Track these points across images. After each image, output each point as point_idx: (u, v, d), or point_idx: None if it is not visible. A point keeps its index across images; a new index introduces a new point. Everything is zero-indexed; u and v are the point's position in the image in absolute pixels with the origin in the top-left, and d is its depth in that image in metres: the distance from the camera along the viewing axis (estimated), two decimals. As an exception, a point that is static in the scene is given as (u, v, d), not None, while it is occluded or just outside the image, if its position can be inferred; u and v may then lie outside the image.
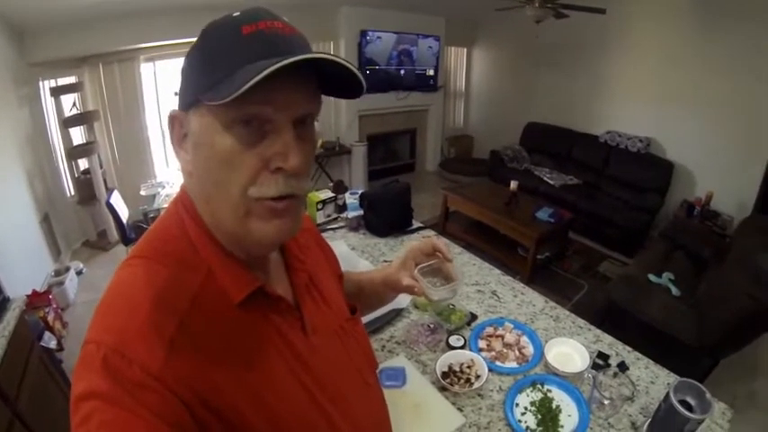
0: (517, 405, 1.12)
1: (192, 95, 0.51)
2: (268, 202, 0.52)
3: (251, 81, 0.42)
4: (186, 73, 0.53)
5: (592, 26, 4.71)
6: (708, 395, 0.93)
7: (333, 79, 0.52)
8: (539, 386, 1.17)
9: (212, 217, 0.55)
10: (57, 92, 4.03)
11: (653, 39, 4.63)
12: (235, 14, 0.51)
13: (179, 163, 0.57)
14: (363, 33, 5.24)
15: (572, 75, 5.55)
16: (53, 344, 2.52)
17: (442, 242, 0.93)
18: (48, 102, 4.06)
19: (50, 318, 2.82)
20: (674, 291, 2.84)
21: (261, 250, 0.60)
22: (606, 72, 5.17)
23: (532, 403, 1.12)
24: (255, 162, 0.50)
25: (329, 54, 0.48)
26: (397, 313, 1.47)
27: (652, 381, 1.20)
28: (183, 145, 0.55)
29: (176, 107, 0.55)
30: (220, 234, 0.56)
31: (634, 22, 4.73)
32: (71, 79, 4.18)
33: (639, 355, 1.31)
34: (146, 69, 4.50)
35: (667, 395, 0.94)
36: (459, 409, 1.11)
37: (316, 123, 0.56)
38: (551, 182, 5.11)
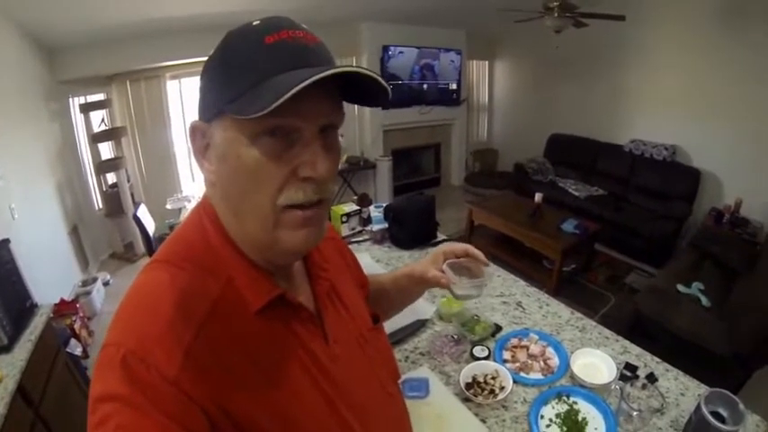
0: (542, 417, 1.09)
1: (215, 107, 0.50)
2: (297, 212, 0.52)
3: (285, 95, 0.42)
4: (207, 84, 0.53)
5: (611, 34, 4.69)
6: (741, 406, 0.90)
7: (356, 87, 0.52)
8: (564, 398, 1.14)
9: (240, 228, 0.55)
10: (86, 108, 4.18)
11: (673, 44, 4.55)
12: (255, 23, 0.50)
13: (201, 173, 0.57)
14: (385, 48, 5.28)
15: (593, 84, 5.50)
16: (78, 351, 2.59)
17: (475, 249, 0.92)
18: (77, 117, 4.22)
19: (77, 326, 2.89)
20: (705, 301, 2.76)
21: (288, 259, 0.60)
22: (628, 80, 5.09)
23: (558, 415, 1.09)
24: (283, 172, 0.50)
25: (360, 67, 0.47)
26: (422, 324, 1.47)
27: (682, 392, 1.16)
28: (206, 155, 0.55)
29: (197, 118, 0.55)
30: (246, 245, 0.56)
31: (654, 28, 4.66)
32: (100, 96, 4.33)
33: (669, 367, 1.26)
34: (171, 87, 4.63)
35: (698, 406, 0.91)
36: (483, 421, 1.09)
37: (340, 138, 0.56)
38: (576, 193, 5.05)
